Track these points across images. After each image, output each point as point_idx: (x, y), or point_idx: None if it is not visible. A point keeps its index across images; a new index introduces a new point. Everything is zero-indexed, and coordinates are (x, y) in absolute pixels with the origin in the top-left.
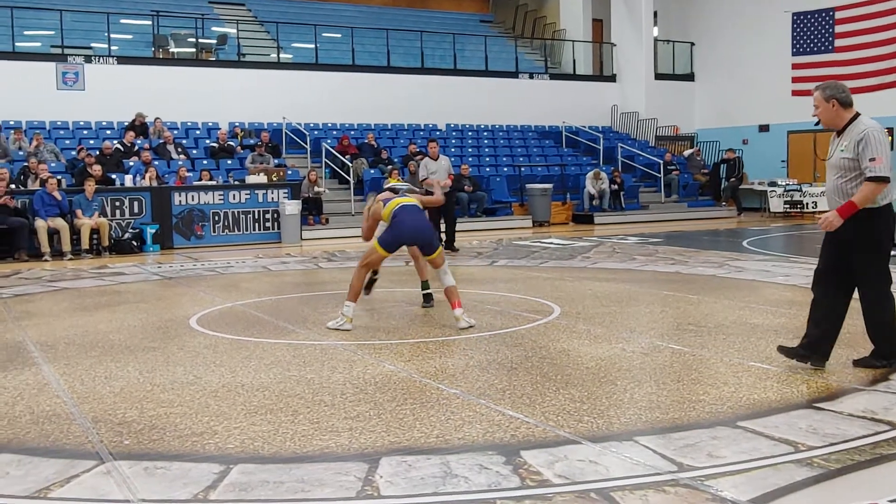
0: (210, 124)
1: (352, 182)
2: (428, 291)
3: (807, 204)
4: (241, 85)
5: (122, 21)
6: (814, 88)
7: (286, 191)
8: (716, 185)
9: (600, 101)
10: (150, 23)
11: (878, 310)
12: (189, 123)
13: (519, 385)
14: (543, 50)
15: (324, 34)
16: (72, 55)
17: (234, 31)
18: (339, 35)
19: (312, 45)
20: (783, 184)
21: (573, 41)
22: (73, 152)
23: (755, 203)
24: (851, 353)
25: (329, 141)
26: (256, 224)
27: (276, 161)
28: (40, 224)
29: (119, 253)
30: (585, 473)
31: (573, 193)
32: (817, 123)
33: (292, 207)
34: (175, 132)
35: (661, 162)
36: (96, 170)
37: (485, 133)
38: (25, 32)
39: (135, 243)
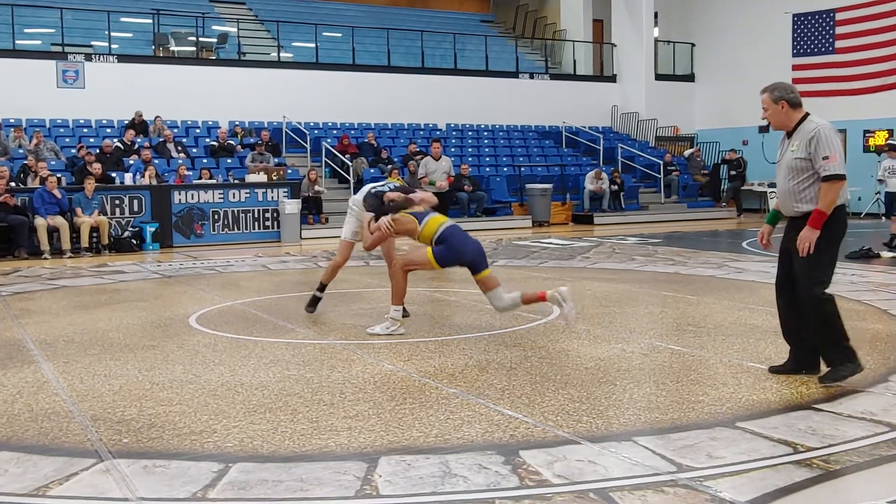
0: (210, 123)
1: (352, 181)
2: None
3: None
4: (241, 84)
5: (123, 19)
6: (761, 91)
7: (286, 190)
8: (715, 185)
9: (600, 101)
10: (150, 21)
11: (817, 314)
12: (189, 122)
13: (518, 385)
14: (544, 50)
15: (324, 33)
16: (72, 53)
17: (235, 29)
18: (339, 34)
19: (313, 45)
20: None
21: (574, 41)
22: (73, 150)
23: (755, 204)
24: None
25: (329, 140)
26: (256, 223)
27: (275, 160)
28: (40, 222)
29: (119, 251)
30: (584, 473)
31: (573, 194)
32: (767, 126)
33: (292, 206)
34: (175, 131)
35: (661, 162)
36: (96, 168)
37: (485, 133)
38: (26, 30)
39: (134, 242)
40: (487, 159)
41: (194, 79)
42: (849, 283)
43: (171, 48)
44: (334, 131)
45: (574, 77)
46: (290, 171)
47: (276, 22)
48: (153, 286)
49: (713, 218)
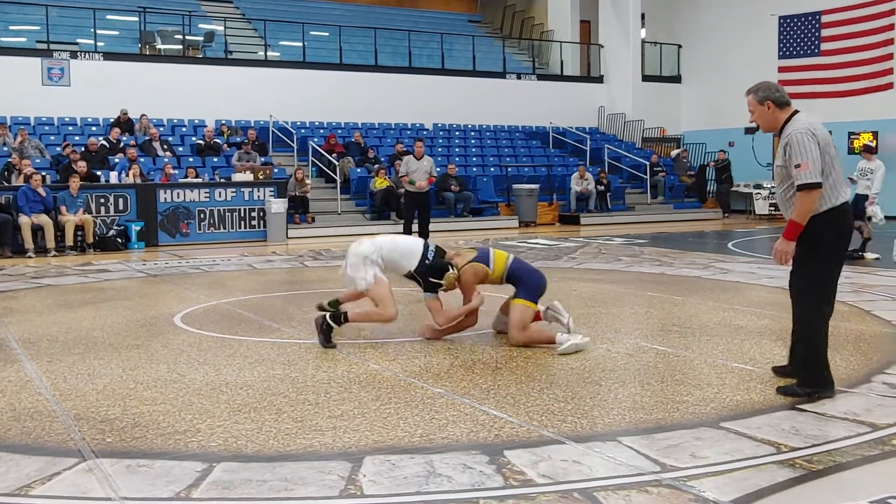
0: (196, 122)
1: (338, 181)
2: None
3: None
4: (228, 82)
5: (109, 17)
6: (746, 93)
7: (272, 189)
8: (702, 186)
9: (587, 102)
10: (136, 19)
11: (807, 329)
12: (175, 120)
13: (503, 385)
14: (531, 50)
15: (312, 32)
16: (57, 51)
17: (222, 28)
18: (327, 33)
19: (300, 44)
20: (768, 186)
21: (561, 42)
22: (58, 148)
23: (741, 205)
24: (834, 354)
25: (316, 139)
26: (242, 222)
27: (262, 159)
28: (24, 220)
29: (103, 250)
30: (569, 473)
31: (559, 194)
32: (756, 129)
33: (278, 206)
34: (161, 129)
35: (648, 163)
36: (81, 166)
37: (472, 133)
38: (11, 27)
39: (119, 240)
40: (474, 159)
41: (181, 77)
42: None
43: (158, 46)
44: (321, 130)
45: (561, 78)
46: (276, 171)
47: (264, 21)
48: (138, 285)
49: (699, 219)
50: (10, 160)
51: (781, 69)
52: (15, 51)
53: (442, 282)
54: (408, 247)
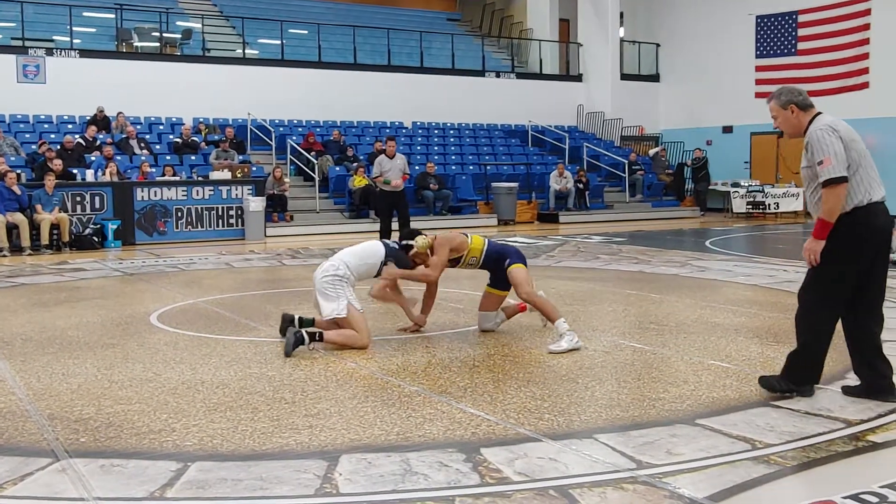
0: (174, 119)
1: (317, 179)
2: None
3: (769, 205)
4: (205, 80)
5: (85, 14)
6: (768, 100)
7: (250, 187)
8: (680, 185)
9: (566, 100)
10: (113, 16)
11: (805, 326)
12: (152, 118)
13: (481, 383)
14: (510, 49)
15: (290, 30)
16: (33, 48)
17: (200, 25)
18: (305, 31)
19: (279, 41)
20: (746, 185)
21: (540, 40)
22: (34, 146)
23: (718, 204)
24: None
25: (294, 138)
26: (220, 220)
27: (240, 157)
28: None
29: (79, 248)
30: (545, 471)
31: (538, 192)
32: (781, 135)
33: (256, 204)
34: (138, 127)
35: (626, 162)
36: (57, 164)
37: (451, 131)
38: None
39: (96, 239)
40: (453, 157)
41: (158, 75)
42: None
43: (135, 44)
44: (300, 129)
45: (540, 76)
46: (254, 169)
47: (242, 18)
48: (114, 284)
49: (677, 217)
50: None
51: (759, 68)
52: None
53: (413, 243)
54: (366, 248)
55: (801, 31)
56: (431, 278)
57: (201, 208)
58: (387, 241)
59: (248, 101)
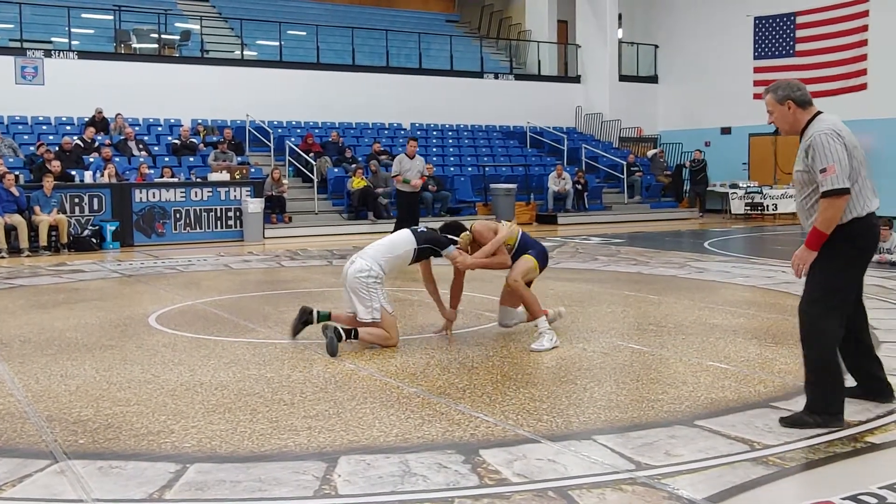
0: (172, 121)
1: (315, 181)
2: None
3: (767, 206)
4: (204, 82)
5: (84, 15)
6: (764, 92)
7: (249, 189)
8: (678, 186)
9: (565, 101)
10: (111, 17)
11: (813, 341)
12: (151, 120)
13: (479, 384)
14: (508, 50)
15: (289, 32)
16: (31, 49)
17: (198, 27)
18: (304, 33)
19: (277, 43)
20: (744, 186)
21: (538, 42)
22: (32, 148)
23: (717, 205)
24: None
25: (293, 139)
26: (218, 222)
27: (239, 159)
28: None
29: (78, 250)
30: (544, 472)
31: (537, 194)
32: (776, 131)
33: (255, 205)
34: (137, 128)
35: (625, 163)
36: (55, 166)
37: (449, 133)
38: None
39: (94, 240)
40: (452, 159)
41: (156, 76)
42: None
43: (133, 45)
44: (298, 130)
45: (538, 77)
46: (253, 170)
47: (240, 20)
48: (113, 285)
49: (675, 218)
50: None
51: (757, 69)
52: None
53: (457, 238)
54: (394, 240)
55: (800, 33)
56: (508, 262)
57: (200, 210)
58: (414, 227)
59: (246, 102)
